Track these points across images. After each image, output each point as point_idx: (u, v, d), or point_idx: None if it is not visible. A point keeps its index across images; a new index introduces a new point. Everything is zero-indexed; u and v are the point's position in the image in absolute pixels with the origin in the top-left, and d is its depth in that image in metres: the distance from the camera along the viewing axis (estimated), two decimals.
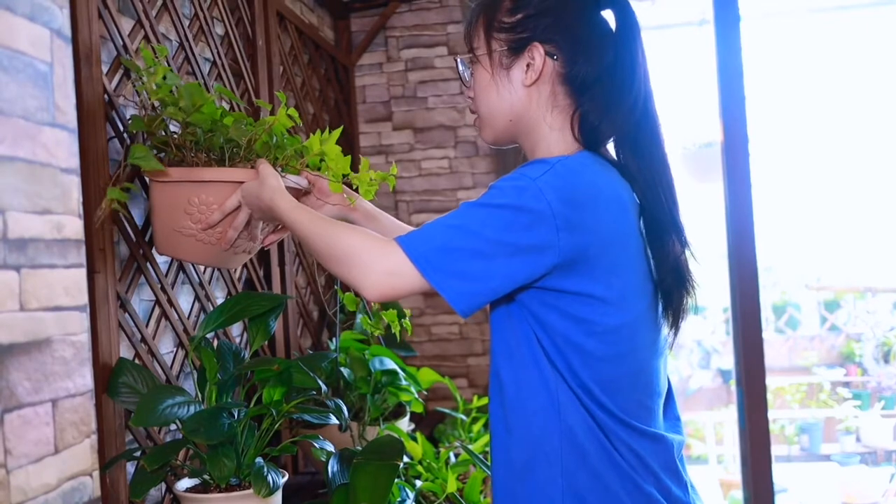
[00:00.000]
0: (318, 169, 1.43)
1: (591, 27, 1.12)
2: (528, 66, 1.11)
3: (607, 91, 1.10)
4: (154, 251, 1.49)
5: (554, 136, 1.13)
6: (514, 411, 1.09)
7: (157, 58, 1.39)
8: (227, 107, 1.54)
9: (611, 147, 1.15)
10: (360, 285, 1.05)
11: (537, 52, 1.10)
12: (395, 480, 1.48)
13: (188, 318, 1.68)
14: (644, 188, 1.10)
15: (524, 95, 1.12)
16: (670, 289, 1.11)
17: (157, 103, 1.35)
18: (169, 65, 1.62)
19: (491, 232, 1.00)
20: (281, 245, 2.13)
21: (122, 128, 1.45)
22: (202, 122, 1.32)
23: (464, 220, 1.02)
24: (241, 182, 1.31)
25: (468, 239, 1.00)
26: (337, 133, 1.40)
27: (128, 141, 1.46)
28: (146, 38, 1.56)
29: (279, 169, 1.37)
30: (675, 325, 1.14)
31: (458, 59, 1.19)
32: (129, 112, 1.49)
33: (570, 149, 1.12)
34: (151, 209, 1.37)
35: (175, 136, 1.36)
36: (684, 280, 1.12)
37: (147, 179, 1.41)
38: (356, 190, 1.44)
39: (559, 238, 0.99)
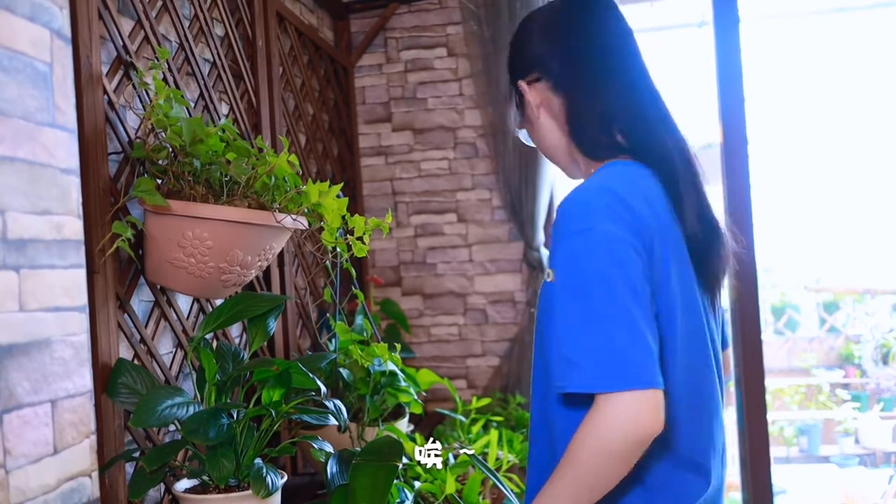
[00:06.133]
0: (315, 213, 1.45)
1: (544, 35, 1.16)
2: (527, 105, 1.19)
3: (591, 70, 1.13)
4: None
5: (574, 143, 1.16)
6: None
7: (164, 81, 1.38)
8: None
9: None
10: (627, 452, 0.93)
11: (522, 90, 1.18)
12: (394, 481, 1.48)
13: (187, 318, 1.68)
14: (659, 158, 1.10)
15: (545, 123, 1.19)
16: (702, 242, 1.10)
17: (158, 128, 1.35)
18: (169, 67, 1.62)
19: (611, 288, 0.96)
20: None
21: (121, 128, 1.45)
22: (201, 154, 1.32)
23: (584, 312, 0.96)
24: (238, 222, 1.32)
25: (609, 321, 0.95)
26: (336, 189, 1.42)
27: (127, 142, 1.46)
28: (146, 38, 1.56)
29: (276, 208, 1.38)
30: (717, 288, 1.16)
31: (518, 134, 1.27)
32: (129, 113, 1.49)
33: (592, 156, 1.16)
34: (145, 237, 1.38)
35: (174, 165, 1.35)
36: (713, 226, 1.12)
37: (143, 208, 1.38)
38: (352, 233, 1.44)
39: (640, 255, 0.99)
